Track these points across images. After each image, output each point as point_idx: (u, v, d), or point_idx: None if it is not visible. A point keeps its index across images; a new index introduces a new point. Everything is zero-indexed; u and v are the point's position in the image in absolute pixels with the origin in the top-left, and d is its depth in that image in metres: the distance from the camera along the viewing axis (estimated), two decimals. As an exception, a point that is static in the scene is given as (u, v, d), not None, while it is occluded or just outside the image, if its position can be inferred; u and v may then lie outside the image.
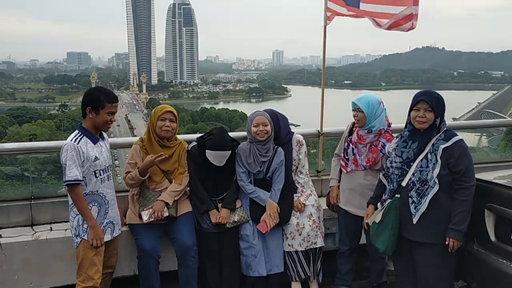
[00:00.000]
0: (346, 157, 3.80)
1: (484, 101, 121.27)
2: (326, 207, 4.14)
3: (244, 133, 4.09)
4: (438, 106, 3.04)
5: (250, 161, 3.81)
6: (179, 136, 3.97)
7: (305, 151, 4.02)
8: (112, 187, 3.35)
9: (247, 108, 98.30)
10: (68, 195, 3.12)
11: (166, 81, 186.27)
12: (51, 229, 3.87)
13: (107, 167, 3.29)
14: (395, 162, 3.22)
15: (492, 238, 3.12)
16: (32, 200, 3.97)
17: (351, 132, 3.84)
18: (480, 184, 3.17)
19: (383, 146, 3.60)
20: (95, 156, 3.14)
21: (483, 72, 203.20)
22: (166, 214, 3.61)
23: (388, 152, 3.37)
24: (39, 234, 3.75)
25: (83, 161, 3.08)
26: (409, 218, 3.11)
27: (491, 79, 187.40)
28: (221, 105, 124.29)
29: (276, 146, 3.89)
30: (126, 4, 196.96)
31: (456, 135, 3.05)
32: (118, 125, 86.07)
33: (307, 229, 3.85)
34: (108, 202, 3.27)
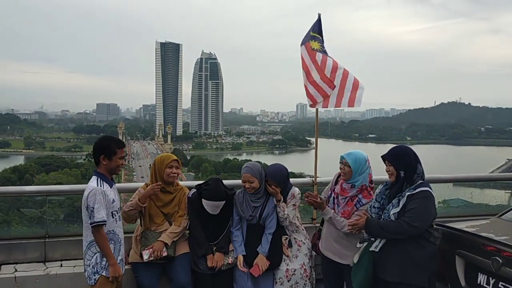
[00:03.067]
0: (327, 205, 4.08)
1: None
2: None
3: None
4: (396, 160, 3.40)
5: (243, 207, 4.14)
6: (181, 183, 4.36)
7: (293, 204, 4.18)
8: (121, 227, 3.66)
9: (270, 159, 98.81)
10: (86, 234, 3.41)
11: (191, 132, 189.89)
12: (61, 265, 4.25)
13: (119, 208, 3.62)
14: (374, 207, 3.53)
15: (463, 283, 3.33)
16: (46, 238, 4.39)
17: (336, 181, 4.12)
18: (451, 232, 3.42)
19: (358, 201, 3.85)
20: (113, 199, 3.47)
21: (511, 128, 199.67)
22: (165, 254, 3.93)
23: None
24: (50, 270, 4.14)
25: (106, 204, 3.39)
26: (384, 259, 3.36)
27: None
28: (244, 157, 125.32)
29: (269, 194, 4.19)
30: (156, 57, 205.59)
31: (427, 187, 3.35)
32: (142, 177, 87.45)
33: (297, 276, 4.04)
34: (120, 240, 3.57)
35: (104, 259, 3.40)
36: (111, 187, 3.50)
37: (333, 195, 4.04)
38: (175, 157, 4.19)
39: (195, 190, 4.20)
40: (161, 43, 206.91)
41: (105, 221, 3.34)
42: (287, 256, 4.11)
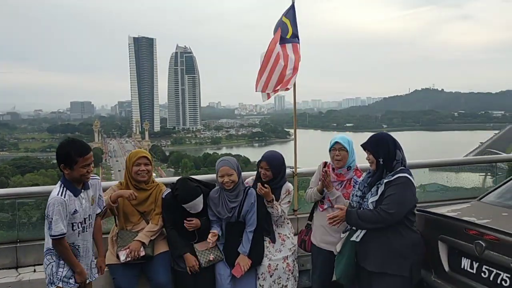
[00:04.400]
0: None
1: (486, 140, 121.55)
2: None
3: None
4: (375, 148, 3.37)
5: (219, 208, 3.97)
6: (158, 179, 4.21)
7: (288, 201, 4.10)
8: (88, 238, 3.38)
9: (250, 152, 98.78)
10: (46, 241, 3.21)
11: (168, 128, 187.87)
12: (34, 271, 4.06)
13: (85, 218, 3.31)
14: (356, 195, 3.47)
15: (446, 268, 3.30)
16: (18, 243, 4.19)
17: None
18: (433, 217, 3.40)
19: (356, 182, 3.84)
20: (75, 209, 3.19)
21: (483, 112, 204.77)
22: (142, 253, 3.79)
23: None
24: (23, 276, 3.95)
25: (67, 215, 3.14)
26: (365, 248, 3.32)
27: (492, 119, 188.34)
28: (224, 150, 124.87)
29: (247, 187, 4.05)
30: (129, 53, 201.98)
31: (406, 173, 3.29)
32: (119, 170, 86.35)
33: (279, 271, 3.97)
34: (79, 253, 3.31)
35: (60, 269, 3.21)
36: (76, 195, 3.21)
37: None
38: (144, 153, 4.00)
39: (169, 190, 4.03)
40: (134, 38, 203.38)
41: (64, 234, 3.11)
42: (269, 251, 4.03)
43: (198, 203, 3.87)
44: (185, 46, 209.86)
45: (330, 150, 3.97)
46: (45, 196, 4.32)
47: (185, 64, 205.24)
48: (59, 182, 3.24)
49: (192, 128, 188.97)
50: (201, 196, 3.90)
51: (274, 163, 4.03)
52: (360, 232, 3.34)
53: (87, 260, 3.40)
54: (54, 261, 3.20)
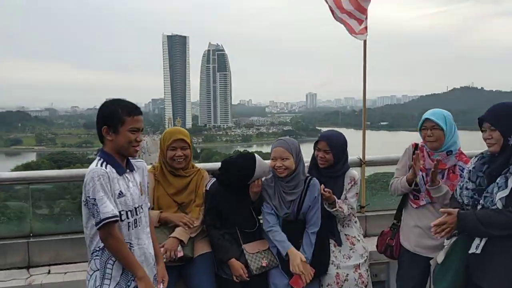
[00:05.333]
0: (415, 188, 3.09)
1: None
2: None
3: None
4: (502, 121, 2.48)
5: (275, 202, 3.16)
6: (198, 165, 3.43)
7: (356, 193, 3.32)
8: (142, 237, 2.47)
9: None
10: (89, 241, 2.37)
11: (200, 125, 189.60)
12: (49, 272, 3.34)
13: (136, 208, 2.45)
14: (467, 188, 2.56)
15: None
16: (30, 237, 3.48)
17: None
18: None
19: (462, 170, 2.92)
20: (120, 191, 2.36)
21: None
22: (180, 254, 3.03)
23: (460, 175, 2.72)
24: (34, 278, 3.23)
25: (112, 194, 2.32)
26: (483, 261, 2.41)
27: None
28: (254, 148, 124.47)
29: (309, 177, 3.21)
30: (163, 51, 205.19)
31: None
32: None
33: (350, 282, 3.16)
34: (142, 255, 2.45)
35: (107, 281, 2.33)
36: (120, 174, 2.38)
37: (420, 173, 3.05)
38: (180, 134, 3.21)
39: (213, 179, 3.25)
40: (167, 36, 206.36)
41: (116, 216, 2.27)
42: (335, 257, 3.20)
43: (264, 166, 3.10)
44: (217, 44, 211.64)
45: (420, 130, 3.07)
46: (64, 181, 3.67)
47: (217, 61, 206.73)
48: (97, 156, 2.43)
49: (223, 125, 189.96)
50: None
51: (336, 143, 3.21)
52: (481, 241, 2.43)
53: (148, 270, 2.49)
54: (99, 270, 2.34)
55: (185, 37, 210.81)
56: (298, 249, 3.13)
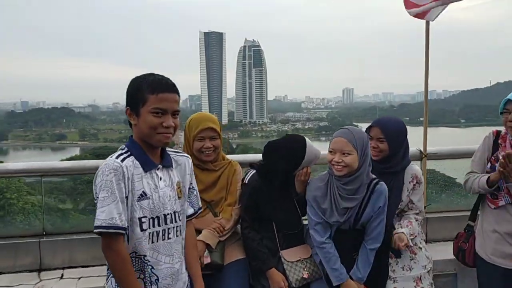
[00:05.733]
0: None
1: None
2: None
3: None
4: None
5: (325, 205, 2.56)
6: (234, 157, 2.95)
7: (422, 193, 2.78)
8: (174, 253, 1.97)
9: (317, 146, 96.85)
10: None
11: (236, 121, 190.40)
12: (61, 277, 2.95)
13: (166, 215, 1.95)
14: None
15: None
16: (43, 236, 3.10)
17: (496, 148, 2.56)
18: None
19: None
20: (143, 192, 1.88)
21: None
22: (207, 260, 2.58)
23: None
24: (44, 284, 2.84)
25: (127, 195, 1.84)
26: None
27: None
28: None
29: (375, 180, 2.59)
30: (200, 47, 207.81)
31: None
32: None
33: None
34: (158, 280, 1.91)
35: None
36: (146, 170, 1.89)
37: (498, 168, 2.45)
38: (209, 122, 2.70)
39: (252, 171, 2.75)
40: (204, 32, 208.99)
41: (118, 228, 1.77)
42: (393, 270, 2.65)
43: (315, 150, 2.70)
44: (253, 39, 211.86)
45: (501, 113, 2.49)
46: (77, 173, 3.28)
47: (252, 57, 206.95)
48: (124, 145, 1.98)
49: (259, 121, 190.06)
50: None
51: (392, 130, 2.65)
52: None
53: None
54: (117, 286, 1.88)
55: (221, 33, 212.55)
56: (350, 264, 2.60)
